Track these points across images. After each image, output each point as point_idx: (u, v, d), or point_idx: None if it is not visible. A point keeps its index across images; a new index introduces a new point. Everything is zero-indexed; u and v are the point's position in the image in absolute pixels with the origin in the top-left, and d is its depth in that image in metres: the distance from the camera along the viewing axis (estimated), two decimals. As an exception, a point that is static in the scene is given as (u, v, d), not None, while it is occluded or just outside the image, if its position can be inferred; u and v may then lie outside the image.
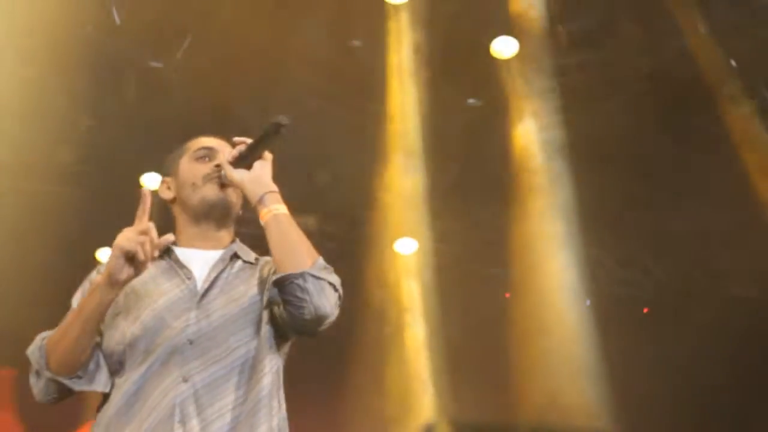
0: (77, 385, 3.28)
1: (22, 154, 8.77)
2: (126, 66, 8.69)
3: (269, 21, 8.48)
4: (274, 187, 3.37)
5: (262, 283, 3.40)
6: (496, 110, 9.22)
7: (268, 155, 3.42)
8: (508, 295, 10.19)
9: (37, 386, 3.36)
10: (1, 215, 8.77)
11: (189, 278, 3.38)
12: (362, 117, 9.45)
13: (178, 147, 3.67)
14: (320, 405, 9.81)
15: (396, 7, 8.82)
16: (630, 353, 9.77)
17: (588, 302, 9.69)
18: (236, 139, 3.45)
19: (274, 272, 3.31)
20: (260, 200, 3.33)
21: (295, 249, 3.25)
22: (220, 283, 3.39)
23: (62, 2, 7.79)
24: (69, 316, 3.32)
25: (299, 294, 3.16)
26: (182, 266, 3.42)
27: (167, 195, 3.60)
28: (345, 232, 9.98)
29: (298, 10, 8.65)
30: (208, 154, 3.55)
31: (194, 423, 3.13)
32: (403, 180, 9.47)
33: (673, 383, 9.82)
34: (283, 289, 3.18)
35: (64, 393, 3.34)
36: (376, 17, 8.82)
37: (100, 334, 3.34)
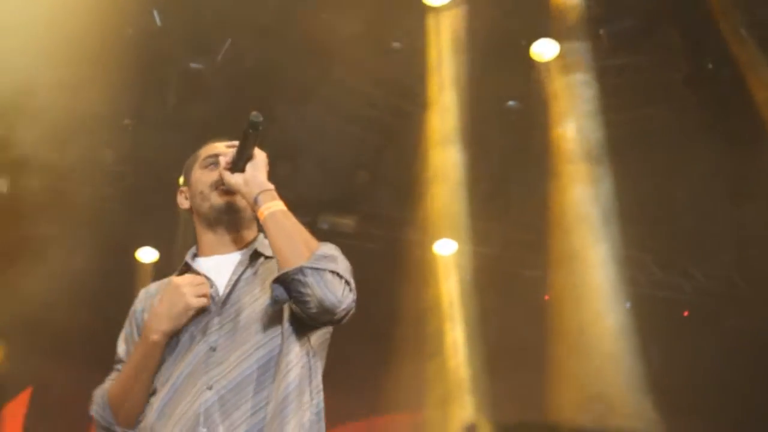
0: (139, 430, 3.36)
1: (64, 155, 8.84)
2: (167, 68, 8.73)
3: (309, 23, 8.51)
4: (269, 186, 3.37)
5: None
6: (536, 112, 9.19)
7: (259, 154, 3.43)
8: (547, 298, 10.17)
9: None
10: (42, 215, 8.85)
11: (210, 286, 3.40)
12: (401, 118, 9.46)
13: (190, 158, 3.71)
14: (360, 405, 9.84)
15: (436, 9, 8.81)
16: (669, 356, 9.74)
17: (628, 305, 9.65)
18: (227, 144, 3.50)
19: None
20: (255, 201, 3.34)
21: (291, 243, 3.23)
22: (240, 284, 3.40)
23: (103, 5, 7.84)
24: (126, 370, 3.40)
25: (301, 289, 3.15)
26: (203, 275, 3.45)
27: (184, 205, 3.64)
28: (385, 234, 9.99)
29: (338, 11, 8.66)
30: (215, 161, 3.54)
31: (220, 430, 3.15)
32: (443, 181, 9.47)
33: (711, 387, 9.77)
34: (287, 288, 3.17)
35: None
36: (416, 19, 8.82)
37: None
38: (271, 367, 3.24)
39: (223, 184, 3.45)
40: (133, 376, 3.37)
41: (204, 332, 3.31)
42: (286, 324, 3.30)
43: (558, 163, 9.33)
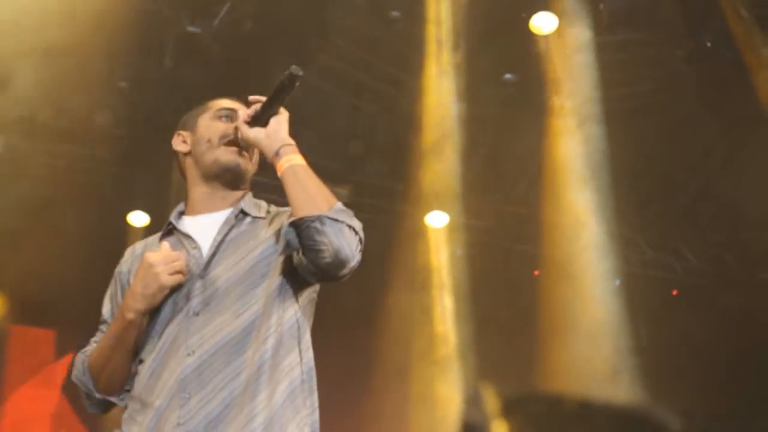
0: (129, 399, 3.35)
1: (60, 116, 8.81)
2: (164, 31, 8.69)
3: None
4: (291, 141, 3.35)
5: (273, 234, 3.36)
6: (533, 86, 9.17)
7: (283, 111, 3.39)
8: (537, 273, 10.18)
9: (91, 406, 3.49)
10: (38, 176, 8.83)
11: (194, 248, 3.38)
12: (398, 89, 9.43)
13: (196, 107, 3.68)
14: (347, 375, 9.85)
15: (436, -21, 8.79)
16: (657, 334, 9.76)
17: (618, 282, 9.66)
18: (251, 98, 3.44)
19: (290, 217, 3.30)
20: (276, 153, 3.31)
21: (312, 195, 3.21)
22: (225, 245, 3.36)
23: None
24: (105, 341, 3.39)
25: (317, 237, 3.12)
26: (187, 236, 3.42)
27: (182, 148, 3.58)
28: (377, 204, 9.98)
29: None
30: (230, 114, 3.53)
31: (201, 395, 3.14)
32: (437, 153, 9.46)
33: (699, 366, 9.80)
34: (301, 233, 3.14)
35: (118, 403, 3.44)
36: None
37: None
38: (253, 331, 3.21)
39: (235, 139, 3.44)
40: (111, 347, 3.35)
41: (187, 297, 3.28)
42: (274, 281, 3.28)
43: (553, 139, 9.31)
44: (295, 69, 3.27)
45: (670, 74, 9.08)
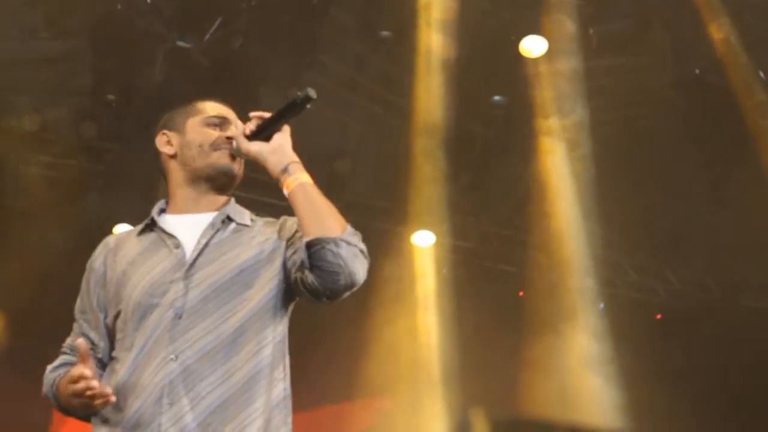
0: (96, 417, 3.28)
1: (47, 127, 8.80)
2: (154, 45, 8.69)
3: (298, 8, 8.50)
4: (297, 158, 3.31)
5: (259, 244, 3.33)
6: (521, 108, 9.20)
7: (286, 127, 3.35)
8: (522, 294, 10.19)
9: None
10: (22, 187, 8.81)
11: (177, 247, 3.32)
12: (386, 108, 9.45)
13: (183, 105, 3.60)
14: (331, 391, 9.83)
15: (427, 0, 8.80)
16: (639, 357, 9.77)
17: (602, 305, 9.68)
18: (253, 114, 3.37)
19: (291, 237, 3.28)
20: (285, 170, 3.25)
21: (324, 215, 3.18)
22: (210, 249, 3.30)
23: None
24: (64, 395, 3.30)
25: (331, 259, 3.10)
26: (170, 235, 3.35)
27: (167, 149, 3.48)
28: (363, 222, 9.96)
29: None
30: (221, 123, 3.46)
31: (184, 402, 3.09)
32: (424, 173, 9.46)
33: (679, 389, 9.81)
34: (315, 254, 3.11)
35: None
36: (407, 8, 8.80)
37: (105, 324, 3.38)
38: (239, 339, 3.17)
39: (229, 148, 3.39)
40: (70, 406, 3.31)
41: (168, 298, 3.21)
42: (265, 296, 3.25)
43: (540, 161, 9.34)
44: (311, 92, 3.25)
45: (657, 100, 9.11)
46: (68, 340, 3.48)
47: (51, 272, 8.85)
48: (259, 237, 3.35)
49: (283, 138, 3.32)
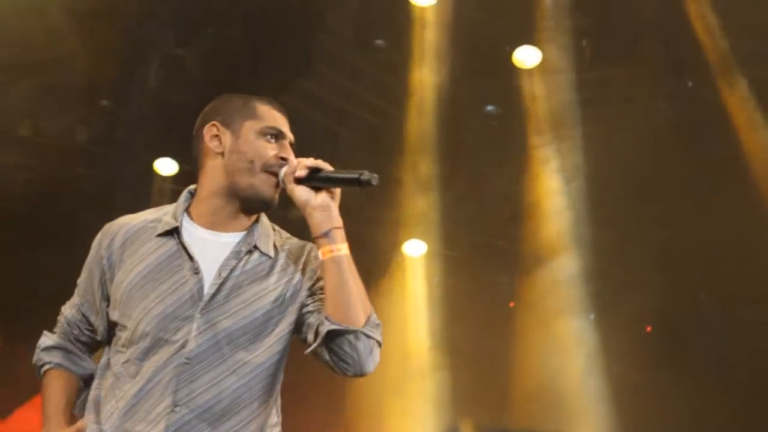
0: (90, 414, 3.26)
1: (40, 132, 8.80)
2: (148, 51, 8.70)
3: (294, 16, 8.50)
4: (341, 223, 3.21)
5: (281, 286, 3.23)
6: (514, 118, 9.21)
7: (338, 192, 3.25)
8: (512, 304, 10.19)
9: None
10: (15, 191, 8.79)
11: (196, 272, 3.18)
12: (379, 117, 9.46)
13: (241, 99, 3.42)
14: (319, 404, 9.81)
15: (422, 9, 8.82)
16: (629, 369, 9.77)
17: (592, 316, 9.68)
18: (310, 162, 3.23)
19: (313, 286, 3.24)
20: (326, 234, 3.17)
21: (351, 300, 3.12)
22: (229, 284, 3.18)
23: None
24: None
25: (347, 349, 3.09)
26: (191, 256, 3.20)
27: (215, 146, 3.30)
28: (355, 231, 9.96)
29: (323, 6, 8.66)
30: (276, 135, 3.32)
31: None
32: (416, 182, 9.47)
33: (669, 402, 9.81)
34: (333, 339, 3.09)
35: None
36: (402, 18, 8.82)
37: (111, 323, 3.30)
38: (243, 395, 3.13)
39: (275, 172, 3.25)
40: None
41: (180, 337, 3.11)
42: (277, 346, 3.20)
43: (533, 171, 9.35)
44: (375, 179, 3.22)
45: (650, 112, 9.12)
46: (68, 311, 3.43)
47: (43, 277, 8.85)
48: (280, 276, 3.25)
49: (331, 199, 3.22)
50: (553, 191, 9.28)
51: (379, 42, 8.89)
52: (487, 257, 10.31)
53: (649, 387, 9.78)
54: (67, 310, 3.42)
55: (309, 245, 3.34)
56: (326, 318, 3.11)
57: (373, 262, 9.82)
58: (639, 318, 10.61)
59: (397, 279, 9.95)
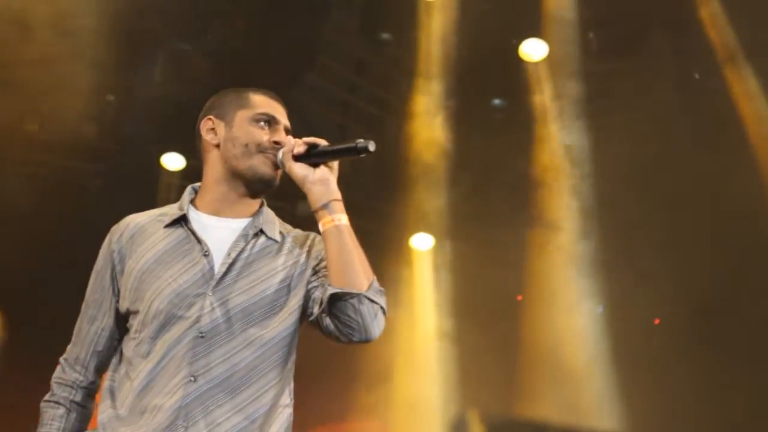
0: (105, 398, 3.27)
1: (48, 128, 8.80)
2: (154, 46, 8.70)
3: (300, 10, 8.50)
4: (339, 195, 3.27)
5: (290, 266, 3.30)
6: (522, 112, 9.20)
7: (335, 165, 3.31)
8: (520, 298, 10.18)
9: None
10: (24, 187, 8.80)
11: (206, 254, 3.24)
12: (385, 110, 9.45)
13: (235, 92, 3.49)
14: (327, 395, 9.82)
15: (428, 3, 8.81)
16: (638, 361, 9.76)
17: (601, 308, 9.67)
18: (307, 139, 3.30)
19: (318, 265, 3.28)
20: (326, 206, 3.23)
21: (353, 266, 3.16)
22: (239, 264, 3.24)
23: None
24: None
25: (351, 314, 3.11)
26: (199, 239, 3.27)
27: (211, 138, 3.40)
28: (362, 225, 9.96)
29: (329, 0, 8.67)
30: (269, 121, 3.39)
31: (201, 426, 3.07)
32: (423, 176, 9.47)
33: (678, 394, 9.80)
34: (336, 304, 3.12)
35: None
36: (408, 11, 8.82)
37: (122, 317, 3.32)
38: (257, 368, 3.16)
39: (274, 156, 3.32)
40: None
41: (193, 313, 3.16)
42: (289, 324, 3.24)
43: (540, 164, 9.34)
44: (372, 145, 3.22)
45: (658, 104, 9.11)
46: (73, 352, 3.42)
47: (50, 272, 8.87)
48: (287, 258, 3.31)
49: (330, 172, 3.28)
50: (561, 184, 9.26)
51: (384, 35, 8.89)
52: (495, 250, 10.31)
53: (658, 381, 9.78)
54: (71, 354, 3.44)
55: (313, 234, 3.41)
56: (329, 285, 3.15)
57: (380, 255, 9.82)
58: (647, 311, 10.62)
59: (404, 272, 9.95)
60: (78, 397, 3.36)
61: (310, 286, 3.26)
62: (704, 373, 9.69)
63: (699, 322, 10.19)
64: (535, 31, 8.81)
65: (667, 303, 10.51)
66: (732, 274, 9.91)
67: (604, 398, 9.46)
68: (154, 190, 9.26)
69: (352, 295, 3.11)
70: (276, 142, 3.35)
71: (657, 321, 10.72)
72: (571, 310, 9.52)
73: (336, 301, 3.12)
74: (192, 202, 3.42)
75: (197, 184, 3.46)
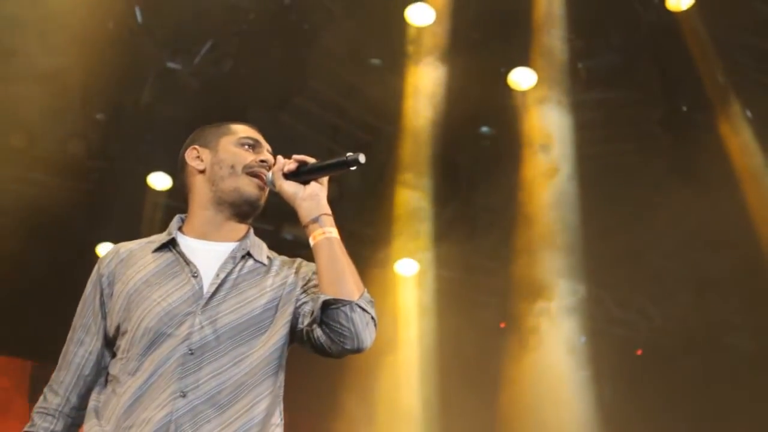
0: (91, 417, 3.26)
1: (36, 144, 8.79)
2: (144, 65, 8.71)
3: (289, 34, 8.52)
4: (329, 210, 3.32)
5: (277, 287, 3.32)
6: (509, 140, 9.22)
7: (325, 180, 3.36)
8: (503, 325, 10.19)
9: None
10: (9, 203, 8.77)
11: (195, 275, 3.28)
12: (373, 135, 9.47)
13: (215, 125, 3.55)
14: (309, 425, 9.79)
15: (419, 30, 8.84)
16: (619, 391, 9.78)
17: (583, 339, 9.68)
18: (296, 156, 3.36)
19: (306, 284, 3.30)
20: (316, 219, 3.28)
21: (345, 276, 3.20)
22: (228, 285, 3.27)
23: (86, -2, 7.85)
24: None
25: (343, 322, 3.13)
26: (188, 261, 3.30)
27: (197, 164, 3.44)
28: (347, 249, 9.95)
29: (319, 24, 8.68)
30: (253, 145, 3.45)
31: None
32: (409, 202, 9.48)
33: (657, 423, 9.83)
34: (327, 313, 3.14)
35: None
36: (398, 37, 8.84)
37: (110, 337, 3.32)
38: (245, 383, 3.17)
39: (261, 174, 3.38)
40: None
41: (183, 331, 3.18)
42: (276, 343, 3.26)
43: (526, 193, 9.35)
44: (362, 157, 3.29)
45: (644, 135, 9.15)
46: (58, 377, 3.41)
47: (35, 288, 8.85)
48: (275, 279, 3.34)
49: (320, 188, 3.33)
50: (547, 214, 9.28)
51: (374, 61, 8.91)
52: (480, 278, 10.32)
53: (639, 409, 9.80)
54: (59, 381, 3.42)
55: (299, 259, 3.45)
56: (320, 295, 3.18)
57: (365, 280, 9.80)
58: (630, 341, 10.64)
59: (388, 298, 9.94)
60: (59, 427, 3.35)
61: (299, 302, 3.28)
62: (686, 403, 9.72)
63: (680, 353, 10.24)
64: (524, 60, 8.85)
65: (648, 333, 10.57)
66: (715, 305, 9.96)
67: (585, 428, 9.47)
68: (140, 209, 9.25)
69: (344, 303, 3.14)
70: (262, 161, 3.41)
71: (639, 351, 10.76)
72: (554, 339, 9.51)
73: (328, 309, 3.14)
74: (180, 229, 3.44)
75: (184, 215, 3.49)
